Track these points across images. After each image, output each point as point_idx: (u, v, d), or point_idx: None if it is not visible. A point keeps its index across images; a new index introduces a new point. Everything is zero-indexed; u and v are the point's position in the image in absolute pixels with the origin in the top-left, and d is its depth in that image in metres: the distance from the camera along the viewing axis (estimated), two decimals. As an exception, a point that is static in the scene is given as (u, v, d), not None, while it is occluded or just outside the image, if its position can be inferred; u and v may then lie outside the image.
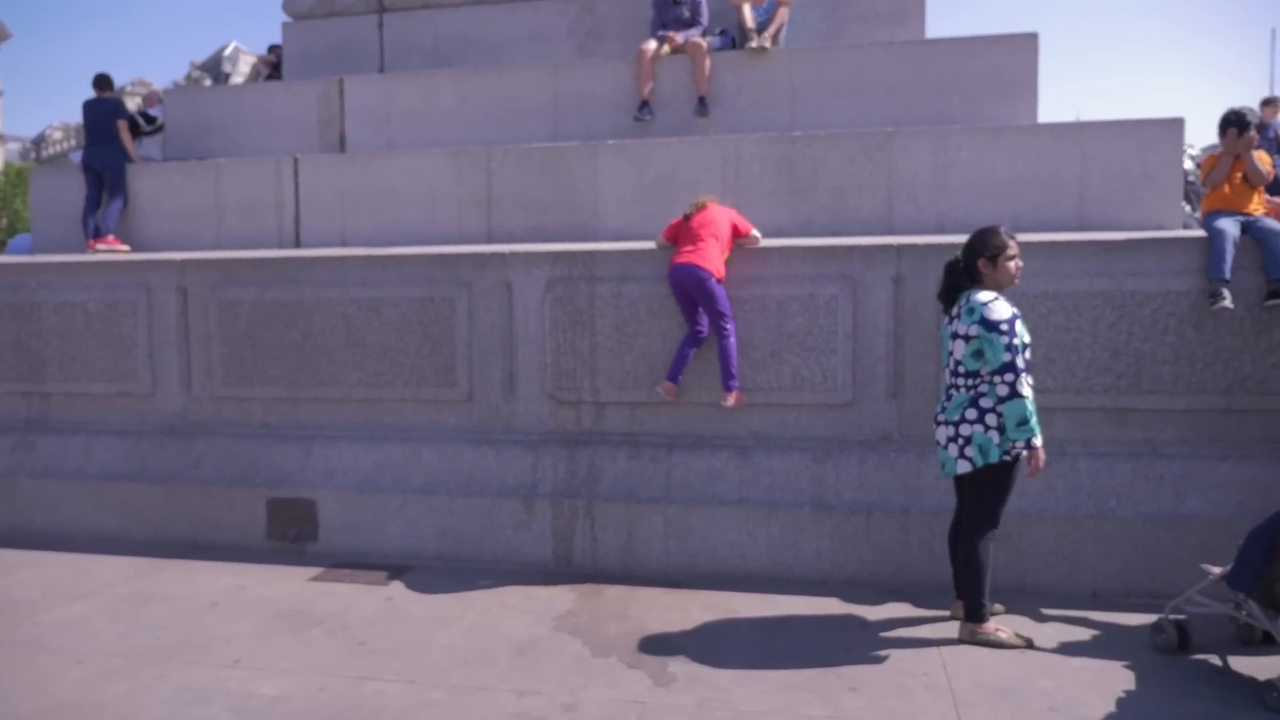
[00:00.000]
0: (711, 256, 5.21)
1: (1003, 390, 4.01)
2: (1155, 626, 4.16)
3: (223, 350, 6.15)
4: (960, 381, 4.17)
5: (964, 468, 4.13)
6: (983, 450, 4.07)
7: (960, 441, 4.12)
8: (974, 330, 4.07)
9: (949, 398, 4.23)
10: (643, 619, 4.61)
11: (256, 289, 6.09)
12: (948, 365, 4.25)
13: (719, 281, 5.20)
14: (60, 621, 4.68)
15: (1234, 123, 5.19)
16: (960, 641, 4.22)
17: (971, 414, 4.10)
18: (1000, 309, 4.05)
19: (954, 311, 4.24)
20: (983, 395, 4.10)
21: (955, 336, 4.17)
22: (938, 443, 4.27)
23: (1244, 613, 3.97)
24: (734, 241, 5.42)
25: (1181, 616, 4.13)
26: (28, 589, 5.18)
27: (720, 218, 5.39)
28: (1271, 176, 5.23)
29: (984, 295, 4.12)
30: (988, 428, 4.06)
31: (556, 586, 5.13)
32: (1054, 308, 5.04)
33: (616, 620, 4.60)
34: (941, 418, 4.23)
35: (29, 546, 5.99)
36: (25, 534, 6.24)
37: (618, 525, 5.39)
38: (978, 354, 4.08)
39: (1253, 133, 5.16)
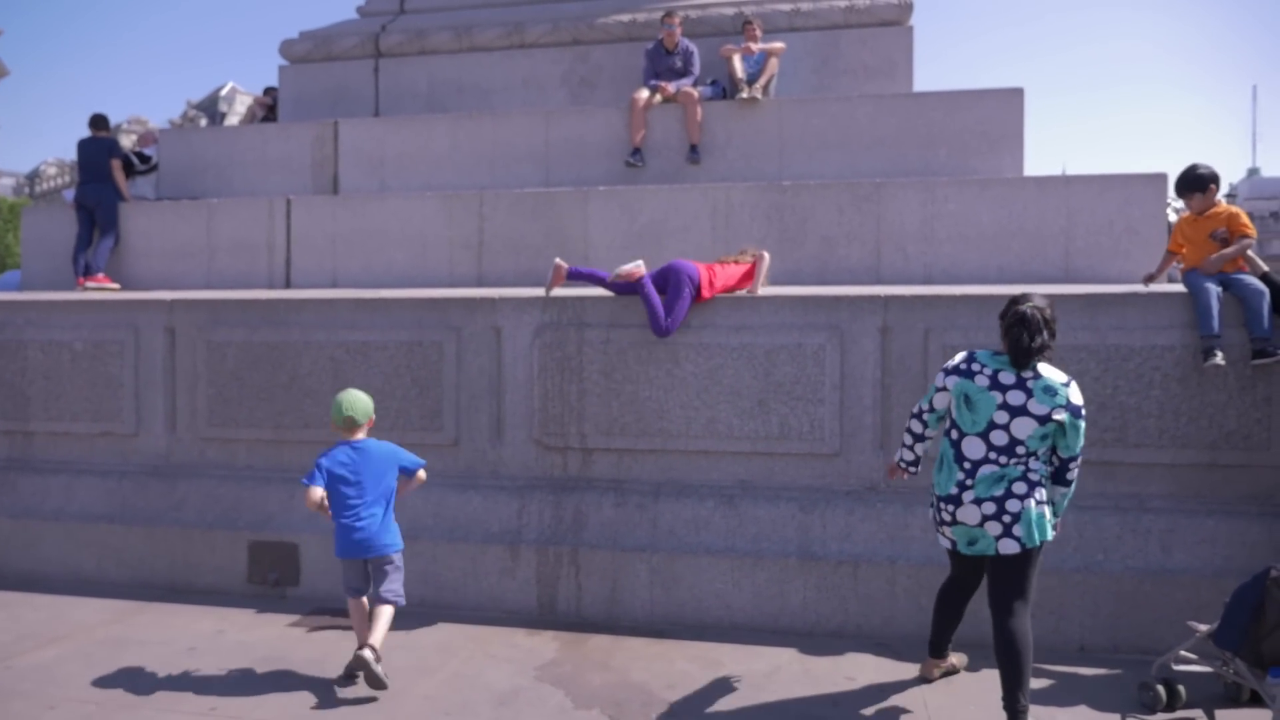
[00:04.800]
0: (717, 280, 5.45)
1: (1072, 475, 3.79)
2: (1142, 685, 4.12)
3: (209, 391, 6.12)
4: (1007, 458, 3.70)
5: (1011, 548, 3.70)
6: (1039, 528, 3.71)
7: (1007, 519, 3.69)
8: (1059, 415, 3.66)
9: (969, 472, 3.76)
10: (626, 669, 4.56)
11: (245, 330, 6.08)
12: (975, 433, 3.77)
13: (694, 291, 5.34)
14: (34, 666, 4.60)
15: (1212, 180, 5.30)
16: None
17: (1020, 488, 3.70)
18: (1078, 392, 3.76)
19: (1006, 379, 3.74)
20: (1032, 470, 3.73)
21: (1021, 412, 3.68)
22: (956, 521, 3.80)
23: (1231, 671, 3.96)
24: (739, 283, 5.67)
25: (1168, 674, 4.10)
26: (2, 632, 5.09)
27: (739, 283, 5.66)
28: (1254, 235, 5.28)
29: (1058, 374, 3.75)
30: (1038, 502, 3.72)
31: (540, 634, 5.07)
32: (1040, 360, 5.06)
33: (600, 670, 4.55)
34: (968, 496, 3.75)
35: (5, 588, 5.90)
36: (2, 575, 6.14)
37: (603, 573, 5.34)
38: (1045, 437, 3.70)
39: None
